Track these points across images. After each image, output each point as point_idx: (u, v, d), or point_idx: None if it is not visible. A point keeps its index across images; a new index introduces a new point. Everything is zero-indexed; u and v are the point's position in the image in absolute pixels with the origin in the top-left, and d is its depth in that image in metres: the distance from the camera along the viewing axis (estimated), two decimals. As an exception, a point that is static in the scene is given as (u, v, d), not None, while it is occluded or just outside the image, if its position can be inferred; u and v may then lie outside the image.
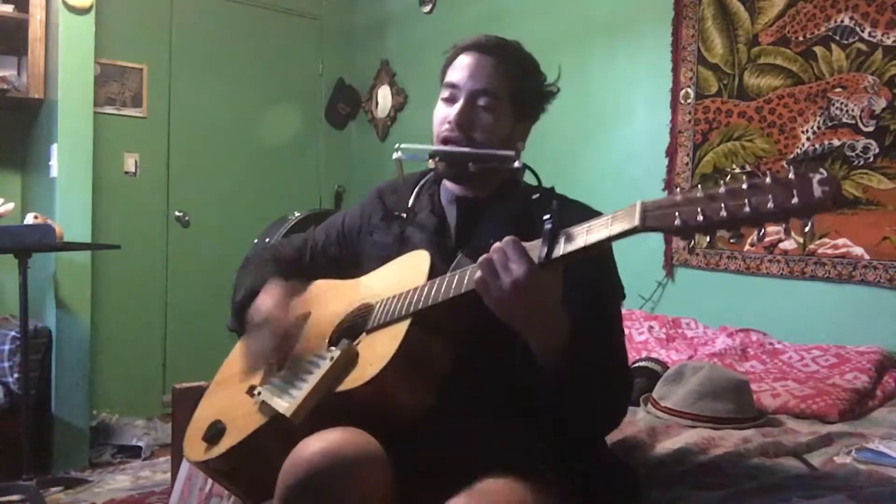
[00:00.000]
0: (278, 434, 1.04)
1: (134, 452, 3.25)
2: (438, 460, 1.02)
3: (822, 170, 0.74)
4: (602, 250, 0.90)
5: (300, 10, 4.19)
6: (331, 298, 1.28)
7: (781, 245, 2.33)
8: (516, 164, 1.19)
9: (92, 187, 3.15)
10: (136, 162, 3.64)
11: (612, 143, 2.90)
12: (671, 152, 2.66)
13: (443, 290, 1.02)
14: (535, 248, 0.93)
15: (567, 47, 2.99)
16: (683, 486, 1.22)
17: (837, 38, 2.21)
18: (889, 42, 2.10)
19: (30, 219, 2.88)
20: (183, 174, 3.79)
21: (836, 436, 1.51)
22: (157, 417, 3.53)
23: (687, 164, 2.62)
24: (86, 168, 3.13)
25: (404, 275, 1.14)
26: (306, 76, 4.26)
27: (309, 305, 1.30)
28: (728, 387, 1.61)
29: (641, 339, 2.37)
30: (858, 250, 2.15)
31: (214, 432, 1.15)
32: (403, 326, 1.04)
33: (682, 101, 2.64)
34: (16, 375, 2.86)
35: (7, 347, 2.90)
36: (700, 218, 0.78)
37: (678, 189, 0.82)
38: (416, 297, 1.05)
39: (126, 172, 3.61)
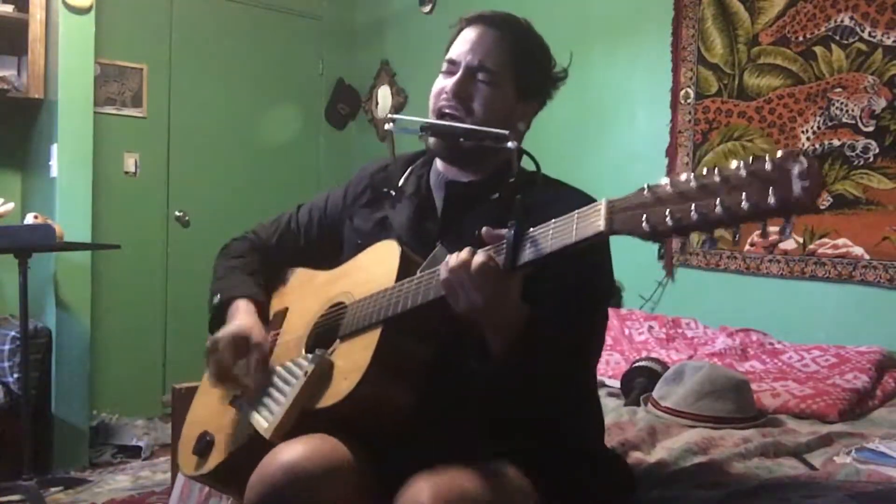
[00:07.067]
0: (263, 447, 1.04)
1: (134, 452, 3.25)
2: (430, 460, 1.01)
3: (801, 158, 0.65)
4: (578, 250, 0.85)
5: (300, 10, 4.18)
6: (308, 293, 1.26)
7: (781, 245, 2.33)
8: (510, 143, 1.13)
9: (92, 187, 3.15)
10: (136, 162, 3.64)
11: (612, 142, 2.89)
12: (671, 152, 2.66)
13: (409, 298, 0.99)
14: (501, 252, 0.91)
15: (567, 47, 2.98)
16: (683, 486, 1.23)
17: (837, 38, 2.21)
18: (889, 42, 2.10)
19: (30, 219, 2.87)
20: (183, 174, 3.78)
21: (836, 436, 1.51)
22: (157, 417, 3.53)
23: (687, 163, 2.62)
24: (86, 168, 3.13)
25: (375, 270, 1.11)
26: (306, 76, 4.25)
27: (286, 300, 1.28)
28: (728, 386, 1.61)
29: (641, 339, 2.37)
30: (858, 250, 2.15)
31: (203, 445, 1.18)
32: (375, 335, 1.01)
33: (682, 101, 2.64)
34: (16, 375, 2.86)
35: (7, 347, 2.90)
36: (669, 222, 0.72)
37: (646, 185, 0.75)
38: (385, 303, 1.02)
39: (126, 172, 3.61)
